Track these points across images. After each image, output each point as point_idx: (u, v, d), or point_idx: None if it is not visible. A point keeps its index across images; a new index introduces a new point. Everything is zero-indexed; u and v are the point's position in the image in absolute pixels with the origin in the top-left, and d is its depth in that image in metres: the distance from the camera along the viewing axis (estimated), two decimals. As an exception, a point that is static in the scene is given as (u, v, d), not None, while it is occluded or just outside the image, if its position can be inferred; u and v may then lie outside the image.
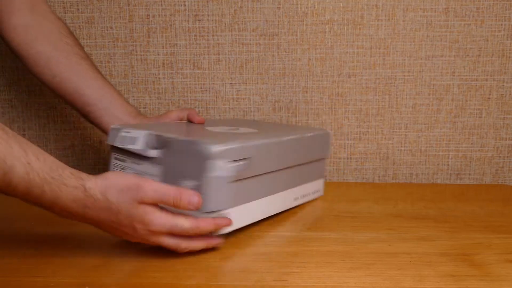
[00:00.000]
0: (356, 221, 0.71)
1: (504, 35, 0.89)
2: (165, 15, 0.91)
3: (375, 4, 0.89)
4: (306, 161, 0.74)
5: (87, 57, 0.79)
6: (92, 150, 0.97)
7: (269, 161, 0.65)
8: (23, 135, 0.96)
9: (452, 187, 0.90)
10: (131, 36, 0.92)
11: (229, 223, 0.59)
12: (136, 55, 0.93)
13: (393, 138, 0.94)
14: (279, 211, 0.73)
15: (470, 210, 0.76)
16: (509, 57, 0.90)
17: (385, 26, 0.90)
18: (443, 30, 0.90)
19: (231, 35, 0.92)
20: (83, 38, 0.93)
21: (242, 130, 0.74)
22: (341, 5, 0.89)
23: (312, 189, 0.77)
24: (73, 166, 0.97)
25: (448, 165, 0.95)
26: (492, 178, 0.95)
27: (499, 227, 0.69)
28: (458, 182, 0.95)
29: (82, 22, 0.92)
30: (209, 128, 0.72)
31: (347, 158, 0.95)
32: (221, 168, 0.57)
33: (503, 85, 0.92)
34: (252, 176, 0.63)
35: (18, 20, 0.75)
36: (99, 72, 0.79)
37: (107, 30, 0.92)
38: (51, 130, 0.96)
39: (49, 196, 0.50)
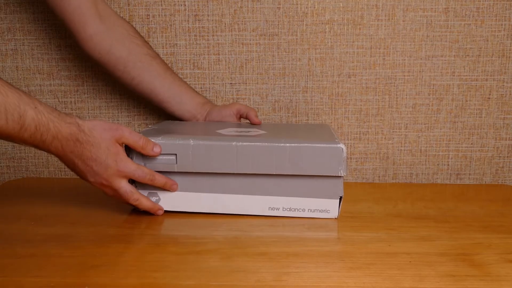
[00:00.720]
0: (356, 221, 0.71)
1: (504, 35, 0.89)
2: (165, 15, 0.91)
3: (375, 4, 0.89)
4: (296, 173, 0.70)
5: (156, 55, 0.86)
6: (92, 150, 0.97)
7: (216, 162, 0.70)
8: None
9: (452, 187, 0.90)
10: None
11: (176, 188, 0.72)
12: (136, 55, 0.93)
13: (393, 138, 0.94)
14: (242, 213, 0.73)
15: (470, 210, 0.76)
16: (509, 57, 0.90)
17: (385, 26, 0.90)
18: (443, 30, 0.90)
19: (231, 35, 0.92)
20: (83, 38, 0.93)
21: (252, 132, 0.77)
22: (341, 5, 0.89)
23: (312, 206, 0.72)
24: (73, 166, 0.97)
25: (448, 165, 0.95)
26: (492, 178, 0.95)
27: (499, 227, 0.69)
28: (458, 182, 0.95)
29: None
30: (220, 131, 0.77)
31: (347, 158, 0.95)
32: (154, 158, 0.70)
33: (503, 85, 0.92)
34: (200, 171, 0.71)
35: (92, 29, 0.80)
36: (168, 68, 0.86)
37: (107, 30, 0.92)
38: (51, 130, 0.96)
39: (52, 132, 0.61)
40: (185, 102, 0.86)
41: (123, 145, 0.68)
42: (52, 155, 0.70)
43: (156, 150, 0.69)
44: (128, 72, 0.83)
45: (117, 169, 0.66)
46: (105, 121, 0.67)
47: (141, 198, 0.70)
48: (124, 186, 0.68)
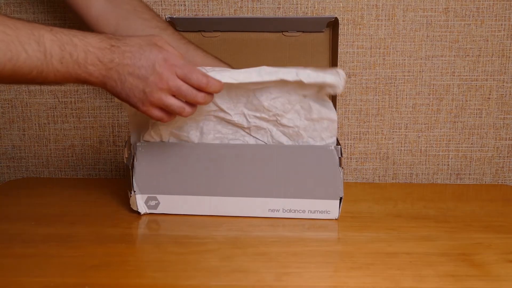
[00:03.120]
0: (356, 221, 0.71)
1: (504, 35, 0.89)
2: (165, 15, 0.91)
3: (375, 4, 0.89)
4: (294, 174, 0.70)
5: (167, 26, 0.77)
6: (92, 150, 0.97)
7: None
8: (23, 135, 0.97)
9: (452, 187, 0.90)
10: None
11: (221, 85, 0.62)
12: (136, 55, 0.93)
13: (393, 138, 0.94)
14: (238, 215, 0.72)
15: (470, 210, 0.76)
16: (509, 57, 0.90)
17: (385, 26, 0.90)
18: (443, 30, 0.90)
19: (231, 35, 0.92)
20: (83, 38, 0.93)
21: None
22: (341, 5, 0.89)
23: (312, 207, 0.71)
24: (73, 166, 0.98)
25: (448, 165, 0.95)
26: (492, 178, 0.95)
27: (499, 227, 0.69)
28: (458, 182, 0.95)
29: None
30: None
31: (347, 158, 0.95)
32: None
33: (503, 85, 0.92)
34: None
35: (97, 10, 0.74)
36: (181, 38, 0.77)
37: (107, 30, 0.92)
38: (51, 130, 0.97)
39: (81, 46, 0.54)
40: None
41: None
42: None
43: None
44: None
45: (168, 70, 0.58)
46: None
47: (189, 107, 0.62)
48: (171, 102, 0.60)
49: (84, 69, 0.55)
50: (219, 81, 0.62)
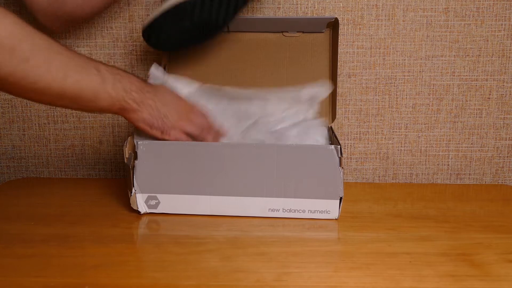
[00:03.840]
0: (356, 221, 0.71)
1: (504, 35, 0.89)
2: (165, 15, 0.91)
3: (375, 4, 0.89)
4: (294, 174, 0.71)
5: None
6: (92, 150, 0.97)
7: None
8: (23, 135, 0.97)
9: (452, 187, 0.90)
10: (131, 36, 0.92)
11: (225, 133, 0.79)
12: (136, 55, 0.93)
13: (393, 138, 0.94)
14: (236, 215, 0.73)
15: (470, 210, 0.76)
16: (509, 57, 0.90)
17: (385, 26, 0.90)
18: (443, 30, 0.90)
19: (231, 35, 0.92)
20: (83, 38, 0.93)
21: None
22: (341, 5, 0.89)
23: (312, 207, 0.71)
24: (73, 166, 0.98)
25: (448, 165, 0.95)
26: (492, 178, 0.95)
27: (499, 227, 0.69)
28: (458, 182, 0.95)
29: (82, 22, 0.92)
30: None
31: (347, 158, 0.95)
32: None
33: (503, 85, 0.92)
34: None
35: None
36: None
37: (107, 30, 0.92)
38: (51, 130, 0.97)
39: (126, 78, 0.65)
40: None
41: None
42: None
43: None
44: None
45: (189, 121, 0.73)
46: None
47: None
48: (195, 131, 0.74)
49: (129, 95, 0.65)
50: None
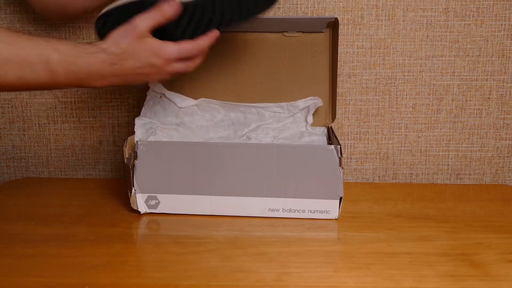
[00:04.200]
0: (356, 221, 0.71)
1: (504, 35, 0.89)
2: (165, 15, 0.91)
3: (375, 4, 0.89)
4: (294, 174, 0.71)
5: None
6: (92, 150, 0.97)
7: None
8: (23, 135, 0.97)
9: (452, 187, 0.90)
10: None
11: (217, 33, 0.66)
12: (136, 55, 0.93)
13: (393, 138, 0.94)
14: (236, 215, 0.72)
15: (470, 210, 0.76)
16: (509, 57, 0.90)
17: (385, 26, 0.90)
18: (443, 30, 0.90)
19: (231, 35, 0.92)
20: (83, 38, 0.93)
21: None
22: (341, 5, 0.89)
23: (312, 207, 0.71)
24: (73, 166, 0.97)
25: (448, 165, 0.95)
26: (492, 178, 0.95)
27: (499, 227, 0.69)
28: (458, 182, 0.95)
29: (82, 22, 0.92)
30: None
31: (347, 158, 0.95)
32: None
33: (503, 85, 0.92)
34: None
35: None
36: None
37: (107, 30, 0.92)
38: (51, 130, 0.97)
39: (85, 67, 0.59)
40: None
41: (151, 30, 0.63)
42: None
43: (173, 3, 0.63)
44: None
45: (164, 60, 0.63)
46: (120, 28, 0.62)
47: (197, 61, 0.67)
48: (177, 68, 0.65)
49: (88, 84, 0.61)
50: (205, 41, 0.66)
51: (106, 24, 0.65)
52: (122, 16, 0.64)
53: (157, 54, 0.62)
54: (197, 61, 0.67)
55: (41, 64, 0.57)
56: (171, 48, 0.63)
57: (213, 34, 0.66)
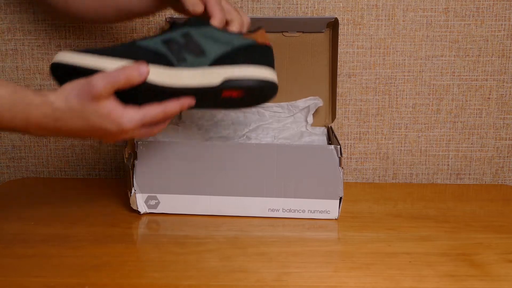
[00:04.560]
0: (356, 221, 0.71)
1: (504, 35, 0.89)
2: (165, 15, 0.91)
3: (375, 4, 0.89)
4: (294, 174, 0.71)
5: None
6: (92, 150, 0.97)
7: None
8: (23, 135, 0.96)
9: (452, 187, 0.90)
10: (131, 36, 0.92)
11: (192, 101, 0.58)
12: (136, 55, 0.93)
13: (393, 138, 0.94)
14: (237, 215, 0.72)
15: (470, 210, 0.76)
16: (509, 57, 0.90)
17: (385, 26, 0.90)
18: (443, 30, 0.90)
19: (231, 35, 0.92)
20: (83, 38, 0.93)
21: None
22: (341, 5, 0.89)
23: (312, 207, 0.71)
24: (73, 166, 0.97)
25: (448, 165, 0.95)
26: (492, 178, 0.95)
27: (499, 227, 0.69)
28: (458, 182, 0.95)
29: (82, 22, 0.92)
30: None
31: (347, 158, 0.95)
32: None
33: (503, 85, 0.92)
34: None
35: None
36: None
37: (107, 30, 0.92)
38: (51, 130, 0.96)
39: (21, 117, 0.53)
40: None
41: (110, 93, 0.54)
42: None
43: (143, 69, 0.54)
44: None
45: (121, 129, 0.54)
46: (75, 82, 0.54)
47: (160, 126, 0.59)
48: (138, 135, 0.57)
49: (25, 132, 0.55)
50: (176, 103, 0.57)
51: (58, 73, 0.57)
52: (75, 74, 0.55)
53: (113, 121, 0.54)
54: (162, 126, 0.59)
55: None
56: (131, 117, 0.54)
57: (186, 101, 0.58)
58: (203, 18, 0.60)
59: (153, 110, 0.55)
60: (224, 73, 0.58)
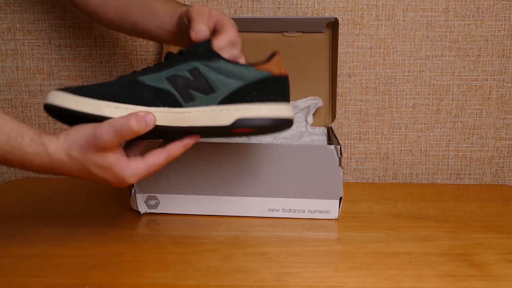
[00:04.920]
0: (356, 221, 0.71)
1: (504, 35, 0.89)
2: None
3: (375, 4, 0.89)
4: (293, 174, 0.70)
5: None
6: (92, 150, 0.97)
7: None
8: (23, 135, 0.96)
9: (452, 187, 0.90)
10: (130, 38, 0.92)
11: (198, 139, 0.57)
12: (136, 55, 0.93)
13: (393, 138, 0.94)
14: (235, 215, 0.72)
15: (470, 210, 0.76)
16: (509, 57, 0.90)
17: (385, 26, 0.90)
18: (443, 30, 0.90)
19: (231, 35, 0.92)
20: (83, 38, 0.93)
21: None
22: (341, 5, 0.89)
23: (312, 207, 0.71)
24: (73, 166, 0.97)
25: (448, 165, 0.95)
26: (492, 178, 0.95)
27: (499, 227, 0.69)
28: (458, 182, 0.95)
29: (82, 22, 0.92)
30: None
31: (347, 158, 0.95)
32: None
33: (503, 85, 0.92)
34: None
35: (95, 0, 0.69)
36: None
37: (107, 30, 0.92)
38: (51, 130, 0.97)
39: (16, 162, 0.51)
40: (158, 13, 0.65)
41: (117, 145, 0.52)
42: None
43: (150, 120, 0.51)
44: (105, 11, 0.69)
45: (123, 181, 0.53)
46: (80, 131, 0.51)
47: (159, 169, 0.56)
48: (139, 180, 0.55)
49: (23, 169, 0.53)
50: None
51: (52, 114, 0.53)
52: (72, 118, 0.52)
53: (115, 174, 0.53)
54: (162, 167, 0.56)
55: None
56: (134, 171, 0.53)
57: (191, 142, 0.56)
58: (209, 46, 0.56)
59: (157, 159, 0.54)
60: (237, 113, 0.55)
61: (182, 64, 0.54)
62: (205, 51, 0.55)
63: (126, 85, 0.53)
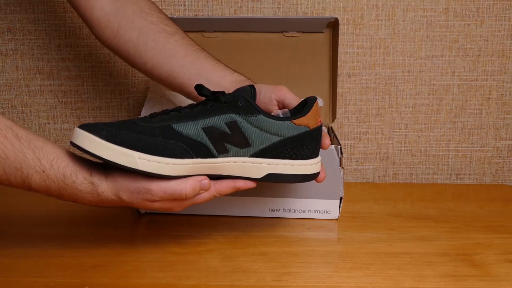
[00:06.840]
0: (356, 221, 0.71)
1: (504, 35, 0.89)
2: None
3: (375, 4, 0.89)
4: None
5: (176, 31, 0.70)
6: (92, 150, 0.97)
7: None
8: (23, 135, 0.96)
9: (452, 187, 0.90)
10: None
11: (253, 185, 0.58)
12: (136, 55, 0.93)
13: (393, 138, 0.94)
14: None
15: (470, 210, 0.76)
16: (509, 57, 0.90)
17: (385, 26, 0.90)
18: (443, 30, 0.90)
19: (231, 35, 0.92)
20: (83, 38, 0.93)
21: None
22: (341, 5, 0.89)
23: (312, 207, 0.71)
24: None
25: (448, 165, 0.95)
26: (492, 178, 0.95)
27: (499, 227, 0.69)
28: (458, 182, 0.95)
29: (82, 22, 0.92)
30: None
31: (347, 158, 0.95)
32: None
33: (503, 85, 0.92)
34: None
35: (99, 12, 0.69)
36: (191, 44, 0.70)
37: (107, 30, 0.92)
38: (51, 130, 0.97)
39: (68, 197, 0.54)
40: (214, 82, 0.67)
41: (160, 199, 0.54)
42: None
43: (205, 184, 0.56)
44: (139, 56, 0.69)
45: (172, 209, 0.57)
46: (131, 180, 0.53)
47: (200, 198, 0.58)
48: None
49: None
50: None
51: (79, 150, 0.55)
52: (102, 162, 0.53)
53: (165, 208, 0.56)
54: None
55: (18, 178, 0.52)
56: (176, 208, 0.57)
57: (242, 186, 0.58)
58: (249, 98, 0.55)
59: (203, 197, 0.57)
60: (267, 168, 0.56)
61: (220, 115, 0.54)
62: (245, 103, 0.55)
63: (160, 133, 0.53)
